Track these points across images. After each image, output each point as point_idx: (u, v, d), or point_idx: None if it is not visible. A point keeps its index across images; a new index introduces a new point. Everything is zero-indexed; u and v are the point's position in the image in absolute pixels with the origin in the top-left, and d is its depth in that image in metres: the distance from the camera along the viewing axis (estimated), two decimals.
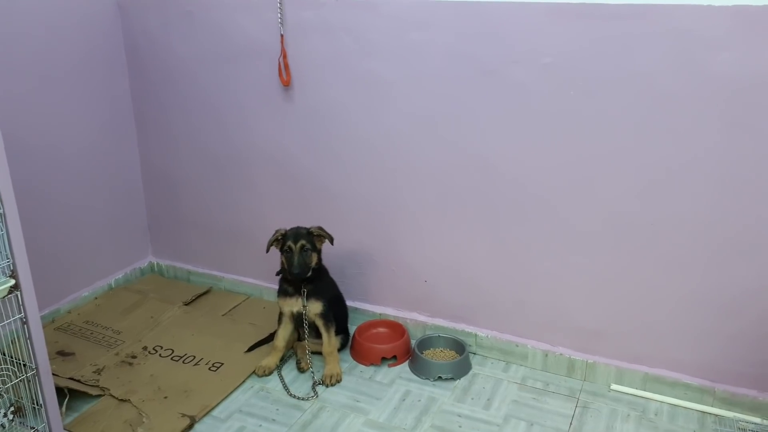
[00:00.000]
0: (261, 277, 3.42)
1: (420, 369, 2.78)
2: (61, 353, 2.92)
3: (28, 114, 2.95)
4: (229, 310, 3.34)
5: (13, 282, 2.04)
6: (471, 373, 2.80)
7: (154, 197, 3.61)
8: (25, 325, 2.12)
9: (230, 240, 3.45)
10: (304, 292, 2.68)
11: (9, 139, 2.86)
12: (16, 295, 2.08)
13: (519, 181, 2.64)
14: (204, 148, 3.34)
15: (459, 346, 2.89)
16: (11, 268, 2.05)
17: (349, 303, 3.17)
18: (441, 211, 2.84)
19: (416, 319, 3.05)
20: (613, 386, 2.66)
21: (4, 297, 2.03)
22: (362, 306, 3.18)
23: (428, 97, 2.70)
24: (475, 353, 2.92)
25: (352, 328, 3.07)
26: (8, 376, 2.11)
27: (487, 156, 2.67)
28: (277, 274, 2.79)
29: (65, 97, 3.11)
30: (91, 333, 3.10)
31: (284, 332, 2.81)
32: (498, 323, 2.88)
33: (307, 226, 2.70)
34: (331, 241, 2.69)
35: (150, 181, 3.59)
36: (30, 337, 2.14)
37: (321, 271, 2.78)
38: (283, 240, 2.62)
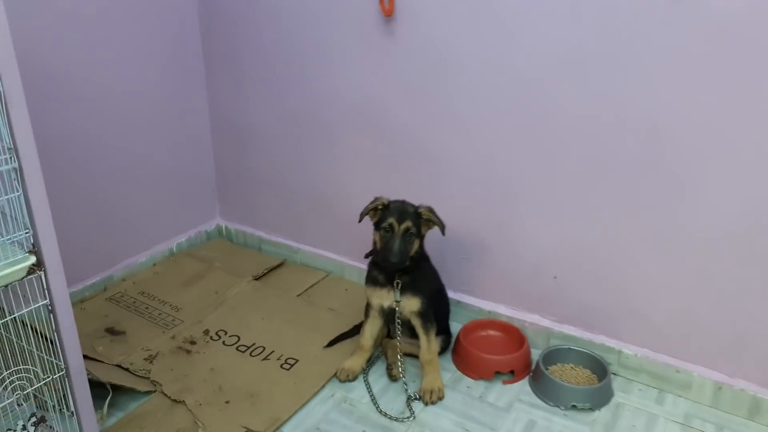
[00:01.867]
0: (343, 251, 2.86)
1: (547, 392, 2.16)
2: (111, 331, 2.47)
3: (79, 48, 2.44)
4: (305, 290, 2.81)
5: (33, 260, 1.53)
6: (613, 401, 2.15)
7: (224, 151, 3.08)
8: (52, 314, 1.63)
9: (308, 205, 2.89)
10: (398, 284, 2.12)
11: (57, 76, 2.38)
12: (39, 276, 1.57)
13: (704, 154, 1.91)
14: (282, 96, 2.76)
15: (596, 364, 2.24)
16: (32, 241, 1.54)
17: (450, 294, 2.56)
18: (584, 188, 2.15)
19: (538, 323, 2.41)
20: None
21: (22, 279, 1.53)
22: (466, 299, 2.56)
23: (576, 31, 1.99)
24: (616, 374, 2.26)
25: (454, 327, 2.46)
26: (28, 379, 1.63)
27: (659, 116, 1.95)
28: (367, 256, 2.21)
29: (123, 31, 2.58)
30: (146, 307, 2.64)
31: (372, 328, 2.25)
32: (651, 339, 2.20)
33: (415, 203, 2.12)
34: (443, 229, 2.13)
35: (219, 132, 3.06)
36: (57, 329, 1.64)
37: (422, 260, 2.19)
38: (383, 213, 2.09)
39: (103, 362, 2.26)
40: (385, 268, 2.12)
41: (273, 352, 2.37)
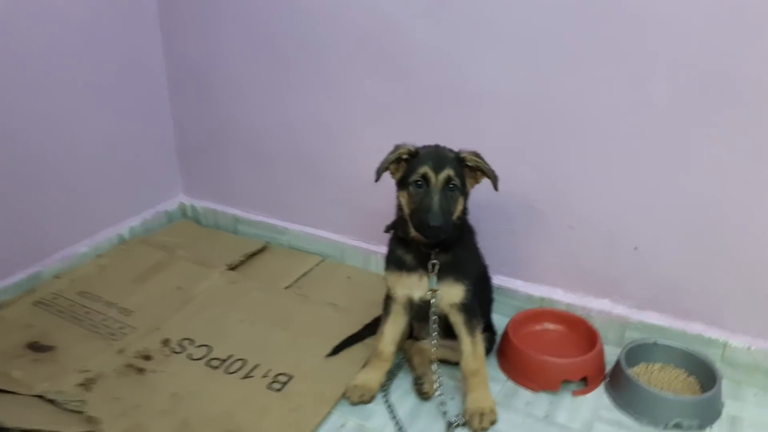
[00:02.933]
0: (343, 229, 2.26)
1: (637, 405, 1.58)
2: (35, 346, 1.84)
3: None
4: (296, 280, 2.20)
5: None
6: (725, 414, 1.58)
7: (185, 106, 2.46)
8: None
9: (297, 173, 2.28)
10: (434, 266, 1.52)
11: None
12: None
13: None
14: (260, 24, 2.15)
15: (693, 363, 1.68)
16: None
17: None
18: (677, 124, 1.57)
19: (609, 311, 1.84)
20: None
21: None
22: (509, 283, 1.98)
23: None
24: (721, 376, 1.68)
25: (497, 320, 1.87)
26: None
27: None
28: (388, 229, 1.61)
29: None
30: (86, 312, 2.00)
31: (393, 329, 1.65)
32: None
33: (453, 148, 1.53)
34: (495, 182, 1.56)
35: (178, 81, 2.43)
36: None
37: (465, 231, 1.61)
38: (410, 164, 1.51)
39: (18, 394, 1.62)
40: (418, 245, 1.53)
41: (257, 366, 1.76)
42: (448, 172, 1.47)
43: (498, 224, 1.91)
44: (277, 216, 2.40)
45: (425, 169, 1.47)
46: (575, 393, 1.66)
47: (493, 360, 1.79)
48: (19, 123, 1.98)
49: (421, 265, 1.55)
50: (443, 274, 1.54)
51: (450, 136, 1.87)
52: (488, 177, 1.54)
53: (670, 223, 1.67)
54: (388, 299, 1.66)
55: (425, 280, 1.55)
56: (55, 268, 2.17)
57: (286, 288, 2.15)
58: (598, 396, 1.66)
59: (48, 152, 2.09)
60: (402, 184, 1.53)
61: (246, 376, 1.72)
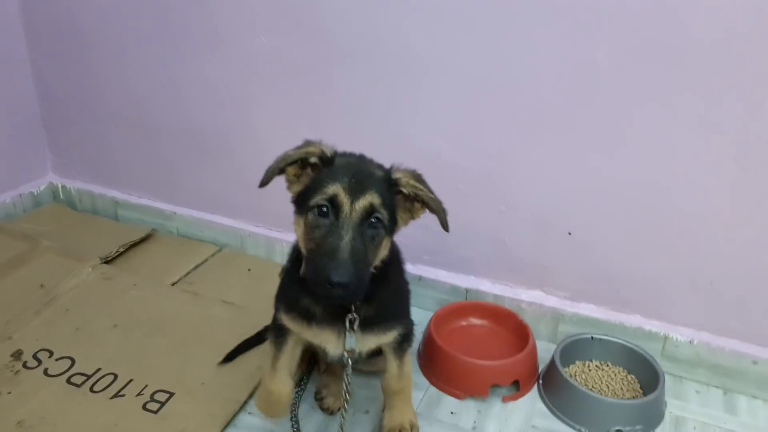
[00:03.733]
0: (242, 213, 1.99)
1: (574, 411, 1.40)
2: None
3: None
4: (186, 274, 1.91)
5: None
6: (668, 416, 1.43)
7: (51, 69, 2.08)
8: None
9: (187, 147, 1.98)
10: (352, 321, 1.13)
11: None
12: None
13: None
14: None
15: (635, 360, 1.51)
16: None
17: (410, 269, 1.74)
18: (614, 106, 1.37)
19: (540, 303, 1.65)
20: None
21: None
22: (431, 273, 1.76)
23: None
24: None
25: (419, 315, 1.64)
26: None
27: None
28: (285, 271, 1.26)
29: None
30: None
31: (290, 361, 1.29)
32: (714, 319, 1.50)
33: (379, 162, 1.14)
34: (443, 219, 1.14)
35: (41, 39, 2.05)
36: None
37: (393, 263, 1.22)
38: (317, 173, 1.10)
39: None
40: (324, 299, 1.11)
41: (130, 382, 1.46)
42: (370, 198, 1.03)
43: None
44: (164, 199, 2.07)
45: (336, 188, 1.03)
46: (506, 399, 1.46)
47: (413, 361, 1.56)
48: None
49: (334, 318, 1.15)
50: (368, 326, 1.16)
51: (363, 105, 1.64)
52: (432, 211, 1.12)
53: (607, 206, 1.49)
54: (281, 330, 1.25)
55: (342, 337, 1.15)
56: None
57: (173, 284, 1.84)
58: (531, 401, 1.47)
59: None
60: (300, 204, 1.09)
61: (116, 395, 1.41)
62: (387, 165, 1.13)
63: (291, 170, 1.11)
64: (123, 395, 1.41)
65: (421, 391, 1.48)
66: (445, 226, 1.13)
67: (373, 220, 1.04)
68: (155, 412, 1.37)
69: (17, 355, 1.52)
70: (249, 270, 1.93)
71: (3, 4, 1.95)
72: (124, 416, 1.36)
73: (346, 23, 1.58)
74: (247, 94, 1.76)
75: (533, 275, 1.64)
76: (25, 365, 1.49)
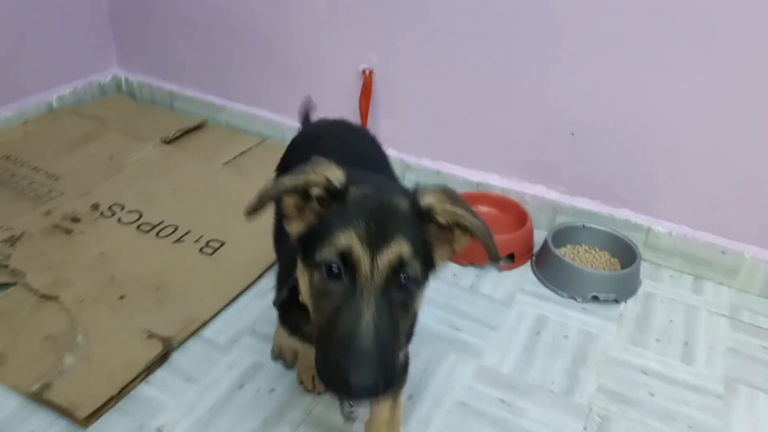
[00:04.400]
0: (285, 108, 2.20)
1: (559, 279, 1.64)
2: None
3: None
4: (234, 158, 2.14)
5: None
6: (641, 291, 1.67)
7: None
8: None
9: (239, 46, 2.18)
10: (351, 406, 0.93)
11: None
12: None
13: None
14: None
15: (620, 247, 1.73)
16: None
17: (420, 161, 1.99)
18: (620, 19, 1.55)
19: (542, 196, 1.87)
20: None
21: None
22: (448, 169, 1.98)
23: None
24: (642, 258, 1.75)
25: None
26: None
27: None
28: (280, 301, 1.02)
29: None
30: (11, 176, 1.92)
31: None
32: (693, 213, 1.70)
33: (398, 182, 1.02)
34: (492, 250, 0.85)
35: None
36: None
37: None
38: (326, 208, 0.80)
39: None
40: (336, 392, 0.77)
41: (189, 232, 1.74)
42: (398, 249, 0.76)
43: (438, 109, 1.89)
44: (216, 93, 2.30)
45: (350, 239, 0.75)
46: (501, 268, 1.71)
47: None
48: None
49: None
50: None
51: (402, 18, 1.82)
52: (477, 238, 0.82)
53: (606, 110, 1.68)
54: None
55: (344, 406, 0.93)
56: None
57: (224, 164, 2.10)
58: (524, 272, 1.72)
59: None
60: (305, 249, 0.81)
61: (177, 241, 1.70)
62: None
63: (290, 201, 0.81)
64: (183, 241, 1.70)
65: None
66: (493, 255, 0.84)
67: (402, 278, 0.77)
68: (210, 255, 1.66)
69: (95, 206, 1.82)
70: None
71: None
72: (184, 256, 1.65)
73: None
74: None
75: (537, 171, 1.86)
76: (102, 214, 1.79)
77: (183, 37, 2.26)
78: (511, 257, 1.72)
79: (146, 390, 1.29)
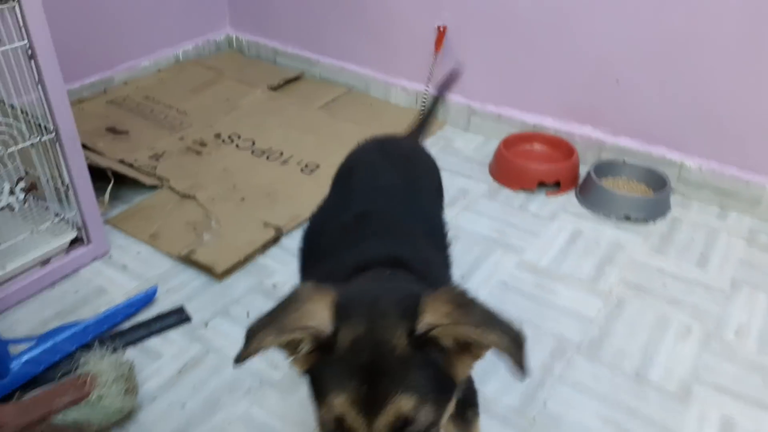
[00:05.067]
0: (368, 62, 2.56)
1: (597, 202, 1.94)
2: (113, 130, 2.23)
3: None
4: (326, 103, 2.53)
5: None
6: (669, 216, 1.94)
7: None
8: (32, 61, 1.36)
9: (329, 7, 2.54)
10: None
11: None
12: (13, 8, 1.29)
13: None
14: None
15: (654, 179, 2.00)
16: None
17: (484, 106, 2.30)
18: None
19: (590, 135, 2.15)
20: None
21: None
22: (507, 112, 2.29)
23: None
24: (674, 191, 2.02)
25: (494, 144, 2.21)
26: (12, 137, 1.40)
27: None
28: None
29: None
30: (151, 111, 2.38)
31: None
32: (720, 149, 1.94)
33: (400, 292, 0.76)
34: (521, 364, 0.64)
35: None
36: (40, 77, 1.39)
37: None
38: (321, 369, 0.69)
39: (103, 155, 2.03)
40: None
41: (292, 156, 2.14)
42: (395, 409, 0.64)
43: (500, 59, 2.20)
44: (311, 49, 2.70)
45: (342, 404, 0.65)
46: (548, 193, 2.02)
47: (485, 169, 2.15)
48: None
49: None
50: None
51: None
52: (504, 352, 0.64)
53: (647, 57, 1.94)
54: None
55: None
56: (123, 76, 2.54)
57: (319, 108, 2.50)
58: (568, 198, 2.02)
59: None
60: (316, 396, 0.70)
61: (283, 163, 2.11)
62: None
63: (290, 352, 0.70)
64: (287, 163, 2.11)
65: (487, 185, 2.07)
66: (522, 368, 0.64)
67: None
68: (309, 174, 2.06)
69: (217, 135, 2.25)
70: (370, 105, 2.55)
71: None
72: (288, 174, 2.05)
73: None
74: None
75: (585, 114, 2.14)
76: (223, 141, 2.22)
77: (285, 1, 2.67)
78: (558, 185, 2.03)
79: (263, 260, 1.71)
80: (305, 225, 1.16)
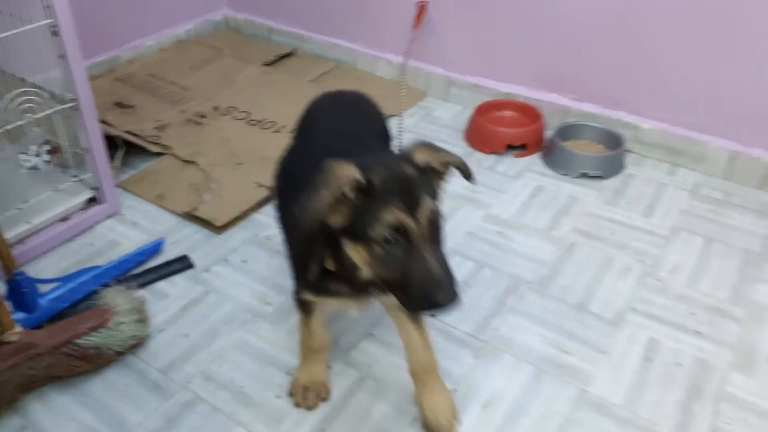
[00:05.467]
0: (356, 37, 2.75)
1: (558, 162, 2.14)
2: (120, 105, 2.45)
3: None
4: (317, 77, 2.73)
5: None
6: (624, 173, 2.14)
7: None
8: (57, 37, 1.57)
9: None
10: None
11: None
12: None
13: None
14: None
15: (611, 140, 2.19)
16: None
17: (462, 77, 2.49)
18: None
19: (556, 102, 2.34)
20: None
21: None
22: (484, 82, 2.48)
23: None
24: (631, 151, 2.22)
25: (468, 113, 2.40)
26: (38, 104, 1.62)
27: None
28: (306, 264, 1.14)
29: None
30: (155, 87, 2.59)
31: (320, 319, 1.33)
32: (670, 112, 2.14)
33: (399, 153, 1.10)
34: (469, 177, 1.14)
35: None
36: (64, 56, 1.60)
37: None
38: (364, 202, 0.98)
39: (113, 126, 2.25)
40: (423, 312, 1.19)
41: (285, 126, 2.35)
42: (428, 205, 0.97)
43: (477, 33, 2.39)
44: (303, 27, 2.88)
45: (396, 215, 0.94)
46: (516, 155, 2.23)
47: (459, 136, 2.35)
48: None
49: (361, 292, 1.13)
50: None
51: None
52: (461, 171, 1.10)
53: (606, 29, 2.12)
54: (302, 306, 1.29)
55: (366, 299, 1.17)
56: (128, 55, 2.74)
57: (310, 81, 2.70)
58: (533, 159, 2.22)
59: None
60: (352, 235, 0.99)
61: (276, 131, 2.32)
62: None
63: (331, 208, 0.96)
64: (280, 132, 2.32)
65: (460, 149, 2.28)
66: (469, 176, 1.12)
67: (436, 221, 1.00)
68: None
69: (216, 108, 2.46)
70: (357, 78, 2.73)
71: None
72: (281, 141, 2.23)
73: None
74: None
75: (552, 82, 2.33)
76: (221, 113, 2.43)
77: None
78: (524, 147, 2.23)
79: (258, 216, 1.94)
80: (275, 167, 1.41)
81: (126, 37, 2.73)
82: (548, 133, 2.26)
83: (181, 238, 1.86)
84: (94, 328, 1.43)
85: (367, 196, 0.96)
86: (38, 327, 1.50)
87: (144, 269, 1.74)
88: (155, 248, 1.78)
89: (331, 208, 0.96)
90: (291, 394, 1.39)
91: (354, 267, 1.04)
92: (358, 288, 1.12)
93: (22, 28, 1.51)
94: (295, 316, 1.42)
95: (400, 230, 0.95)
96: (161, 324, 1.59)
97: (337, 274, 1.11)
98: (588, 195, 2.03)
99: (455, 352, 1.50)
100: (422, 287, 0.94)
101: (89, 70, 2.56)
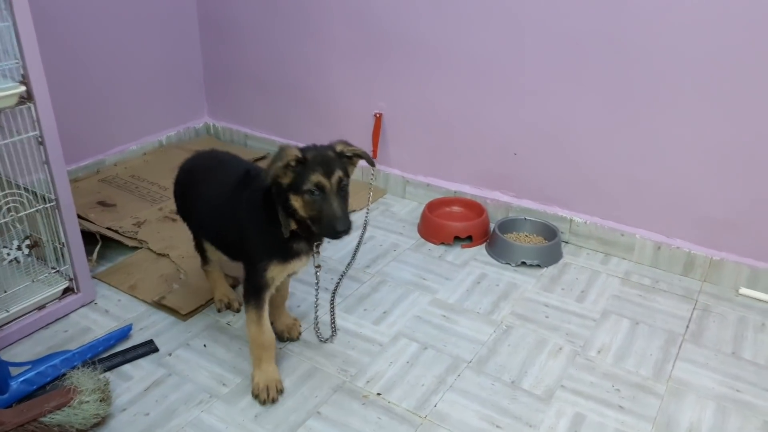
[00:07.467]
0: (321, 142, 3.00)
1: (500, 252, 2.34)
2: (102, 203, 2.65)
3: None
4: None
5: (23, 89, 1.70)
6: (561, 262, 2.34)
7: (211, 47, 3.22)
8: (42, 146, 1.80)
9: (291, 100, 3.04)
10: (318, 244, 1.71)
11: None
12: (29, 108, 1.74)
13: (651, 24, 2.05)
14: None
15: (549, 232, 2.41)
16: (21, 72, 1.70)
17: (416, 177, 2.75)
18: (544, 65, 2.29)
19: (498, 199, 2.58)
20: (743, 290, 2.14)
21: (12, 107, 1.70)
22: (435, 182, 2.73)
23: None
24: (567, 242, 2.44)
25: (422, 207, 2.63)
26: (21, 203, 1.82)
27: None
28: (267, 235, 1.64)
29: None
30: (136, 187, 2.82)
31: (268, 314, 1.75)
32: (600, 207, 2.37)
33: (327, 143, 1.61)
34: (371, 161, 1.69)
35: (207, 28, 3.19)
36: (47, 161, 1.82)
37: None
38: (299, 170, 1.52)
39: (94, 223, 2.45)
40: (328, 239, 1.61)
41: None
42: (338, 174, 1.52)
43: (422, 136, 2.67)
44: (276, 133, 3.17)
45: (318, 177, 1.50)
46: (463, 246, 2.43)
47: (414, 228, 2.57)
48: (91, 52, 2.79)
49: (309, 247, 1.67)
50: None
51: (397, 69, 2.63)
52: (365, 159, 1.63)
53: (536, 134, 2.40)
54: (262, 291, 1.68)
55: (309, 258, 1.70)
56: (113, 158, 2.99)
57: None
58: (479, 250, 2.42)
59: (113, 73, 2.88)
60: (294, 189, 1.52)
61: None
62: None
63: (281, 171, 1.51)
64: None
65: (414, 240, 2.48)
66: (372, 164, 1.68)
67: (342, 185, 1.54)
68: None
69: None
70: None
71: (186, 7, 3.15)
72: None
73: (389, 21, 2.60)
74: (330, 65, 2.83)
75: (495, 181, 2.58)
76: None
77: (254, 95, 3.17)
78: (470, 238, 2.44)
79: None
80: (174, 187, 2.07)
81: (112, 142, 2.99)
82: (492, 226, 2.48)
83: (149, 324, 2.00)
84: (58, 407, 1.54)
85: (303, 166, 1.51)
86: (8, 407, 1.61)
87: (111, 353, 1.87)
88: (123, 334, 1.92)
89: (282, 171, 1.51)
90: (255, 396, 1.71)
91: (304, 221, 1.56)
92: (309, 243, 1.65)
93: (11, 139, 1.73)
94: (247, 397, 1.55)
95: (320, 187, 1.50)
96: (124, 404, 1.70)
97: (297, 233, 1.61)
98: (527, 282, 2.21)
99: (396, 428, 1.62)
100: (329, 220, 1.50)
101: (77, 172, 2.82)
